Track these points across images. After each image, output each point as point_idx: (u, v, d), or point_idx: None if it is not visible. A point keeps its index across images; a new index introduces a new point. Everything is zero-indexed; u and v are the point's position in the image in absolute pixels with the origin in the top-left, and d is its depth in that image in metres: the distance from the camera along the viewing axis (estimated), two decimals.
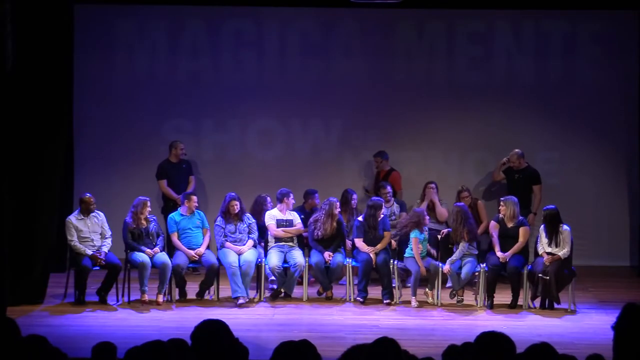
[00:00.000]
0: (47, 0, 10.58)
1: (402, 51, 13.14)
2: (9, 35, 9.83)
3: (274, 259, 10.83)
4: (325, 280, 10.97)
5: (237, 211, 10.94)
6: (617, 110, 13.10)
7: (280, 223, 11.05)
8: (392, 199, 11.93)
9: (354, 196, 11.77)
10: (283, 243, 11.05)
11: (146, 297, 10.60)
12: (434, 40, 13.13)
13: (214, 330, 4.47)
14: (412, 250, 10.78)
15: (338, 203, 11.13)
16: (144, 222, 10.84)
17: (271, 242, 11.09)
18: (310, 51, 13.15)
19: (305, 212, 11.66)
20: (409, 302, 10.69)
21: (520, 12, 13.02)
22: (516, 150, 12.32)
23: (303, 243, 11.39)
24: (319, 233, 10.97)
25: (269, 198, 11.58)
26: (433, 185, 11.94)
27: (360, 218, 11.05)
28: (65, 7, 11.22)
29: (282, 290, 10.92)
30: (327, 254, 10.88)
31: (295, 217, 11.18)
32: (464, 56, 13.12)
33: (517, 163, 12.29)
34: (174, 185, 12.15)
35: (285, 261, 10.93)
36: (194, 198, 11.10)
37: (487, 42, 13.11)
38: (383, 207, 11.09)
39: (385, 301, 10.77)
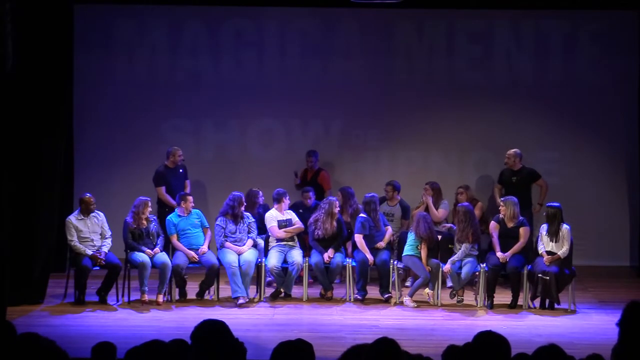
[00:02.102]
0: (47, 0, 10.59)
1: (402, 51, 13.15)
2: (9, 35, 9.83)
3: (272, 259, 10.83)
4: (326, 280, 10.97)
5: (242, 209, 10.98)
6: (617, 110, 13.10)
7: (281, 224, 11.05)
8: (398, 197, 11.90)
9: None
10: (284, 243, 11.06)
11: (146, 297, 10.61)
12: (434, 40, 13.14)
13: (214, 330, 4.47)
14: (411, 249, 10.80)
15: (337, 202, 11.14)
16: (144, 222, 10.84)
17: (272, 242, 11.09)
18: (310, 51, 13.15)
19: (304, 207, 11.68)
20: None
21: (520, 12, 13.02)
22: (515, 149, 12.26)
23: (304, 244, 11.40)
24: (320, 233, 10.98)
25: (260, 192, 11.60)
26: (427, 187, 11.88)
27: (363, 214, 11.04)
28: (65, 7, 11.24)
29: (282, 290, 10.93)
30: (326, 255, 10.89)
31: (293, 216, 11.19)
32: (464, 56, 13.12)
33: (512, 162, 12.15)
34: (173, 191, 11.91)
35: (284, 261, 10.93)
36: (190, 198, 11.09)
37: (487, 42, 13.11)
38: (377, 201, 11.13)
39: (385, 296, 10.77)
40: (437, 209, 11.79)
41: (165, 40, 13.12)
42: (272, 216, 11.11)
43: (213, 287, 10.90)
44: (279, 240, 11.04)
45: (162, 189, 11.99)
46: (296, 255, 10.94)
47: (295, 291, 10.99)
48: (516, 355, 4.68)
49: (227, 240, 10.92)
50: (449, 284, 11.01)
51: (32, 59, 10.43)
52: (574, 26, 13.07)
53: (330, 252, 10.93)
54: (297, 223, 11.15)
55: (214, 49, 13.14)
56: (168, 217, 11.04)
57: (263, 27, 13.14)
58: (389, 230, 11.12)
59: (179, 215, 11.01)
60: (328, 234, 10.99)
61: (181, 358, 4.74)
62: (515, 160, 12.17)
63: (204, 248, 10.93)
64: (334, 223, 11.01)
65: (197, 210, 11.19)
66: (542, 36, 13.09)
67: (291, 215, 11.20)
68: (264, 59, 13.17)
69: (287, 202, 11.18)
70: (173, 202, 11.63)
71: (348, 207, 11.48)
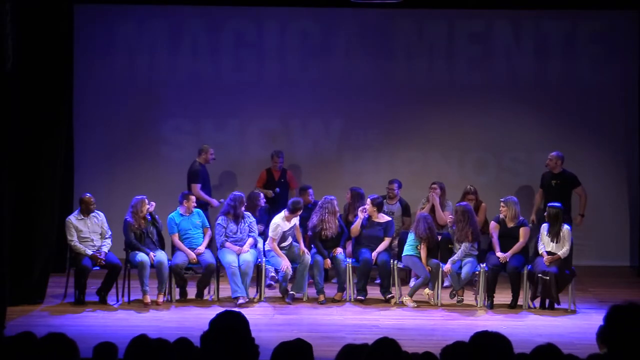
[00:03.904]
0: (47, 0, 10.58)
1: (402, 51, 13.15)
2: (9, 35, 9.82)
3: (286, 262, 10.75)
4: (322, 282, 10.89)
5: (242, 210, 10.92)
6: (617, 110, 13.11)
7: (285, 234, 10.93)
8: (398, 195, 11.90)
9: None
10: (285, 243, 11.00)
11: (148, 298, 10.55)
12: (434, 40, 13.14)
13: (233, 322, 4.42)
14: (411, 249, 10.80)
15: (336, 201, 11.12)
16: (142, 221, 10.82)
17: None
18: (310, 51, 13.15)
19: (304, 206, 11.68)
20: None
21: (520, 12, 13.02)
22: (557, 152, 12.06)
23: (305, 244, 11.39)
24: (328, 233, 10.94)
25: (262, 194, 11.57)
26: (435, 186, 11.81)
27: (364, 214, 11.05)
28: (65, 7, 11.23)
29: (291, 291, 10.81)
30: (328, 261, 10.87)
31: (296, 225, 11.03)
32: (464, 56, 13.13)
33: (553, 165, 11.98)
34: (207, 188, 12.11)
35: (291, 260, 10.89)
36: (193, 198, 11.08)
37: (487, 42, 13.12)
38: (364, 197, 11.14)
39: (387, 296, 10.76)
40: (443, 210, 11.71)
41: (165, 41, 13.12)
42: (278, 225, 10.87)
43: (213, 287, 10.89)
44: (278, 242, 10.98)
45: (198, 187, 12.03)
46: (301, 253, 10.91)
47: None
48: (515, 355, 4.67)
49: (227, 240, 10.89)
50: (446, 283, 11.01)
51: (32, 59, 10.43)
52: (574, 26, 13.08)
53: (340, 250, 10.96)
54: (298, 232, 11.08)
55: (214, 49, 13.14)
56: (170, 216, 11.02)
57: (263, 27, 13.15)
58: (387, 241, 10.97)
59: (181, 215, 11.00)
60: (335, 232, 10.98)
61: (186, 357, 4.72)
62: (557, 162, 12.00)
63: (201, 249, 10.89)
64: (337, 221, 11.02)
65: (198, 209, 11.17)
66: (542, 36, 13.09)
67: (295, 222, 11.05)
68: (264, 59, 13.17)
69: (299, 215, 11.04)
70: (208, 199, 11.75)
71: (355, 208, 11.42)
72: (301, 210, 10.99)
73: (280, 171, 12.54)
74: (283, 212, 10.98)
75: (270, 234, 10.88)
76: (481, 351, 4.37)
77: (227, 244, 10.86)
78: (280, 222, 10.87)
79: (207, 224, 11.11)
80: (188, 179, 12.15)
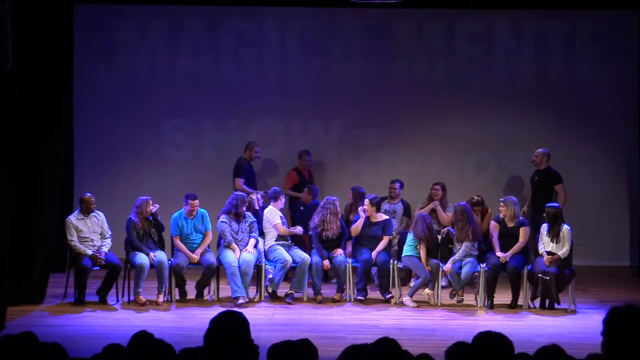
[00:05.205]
0: (47, 0, 10.58)
1: (402, 51, 13.15)
2: (9, 35, 9.82)
3: (287, 255, 10.80)
4: (319, 283, 10.90)
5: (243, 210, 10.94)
6: (617, 110, 13.11)
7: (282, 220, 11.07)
8: (400, 195, 11.90)
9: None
10: (282, 241, 11.03)
11: (141, 298, 10.55)
12: (434, 40, 13.14)
13: (234, 323, 4.41)
14: (411, 250, 10.80)
15: (338, 202, 11.12)
16: (146, 222, 10.81)
17: (271, 241, 11.03)
18: (310, 51, 13.16)
19: (304, 204, 11.68)
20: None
21: (520, 12, 13.02)
22: (543, 148, 12.11)
23: (304, 243, 11.38)
24: (329, 234, 10.94)
25: (259, 195, 11.59)
26: (437, 187, 11.77)
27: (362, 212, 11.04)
28: (65, 7, 11.23)
29: (290, 290, 10.85)
30: (326, 262, 10.87)
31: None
32: (464, 56, 13.13)
33: (539, 161, 12.05)
34: (251, 184, 12.18)
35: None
36: (196, 202, 11.00)
37: (487, 42, 13.12)
38: (365, 196, 11.12)
39: (387, 296, 10.76)
40: (444, 211, 11.70)
41: (165, 40, 13.12)
42: (275, 213, 11.06)
43: (213, 287, 10.88)
44: (277, 238, 11.00)
45: (241, 181, 12.12)
46: (301, 252, 10.92)
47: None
48: (517, 355, 4.67)
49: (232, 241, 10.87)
50: (443, 283, 11.00)
51: (32, 59, 10.42)
52: (574, 26, 13.08)
53: (340, 252, 10.96)
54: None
55: (214, 49, 13.15)
56: (173, 217, 10.98)
57: (263, 27, 13.15)
58: (386, 240, 11.00)
59: (185, 218, 10.96)
60: (335, 233, 10.99)
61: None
62: (542, 159, 12.08)
63: (198, 252, 10.85)
64: (338, 222, 11.02)
65: (203, 210, 11.09)
66: (542, 36, 13.10)
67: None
68: (264, 59, 13.17)
69: (282, 200, 11.18)
70: (250, 191, 11.75)
71: (357, 207, 11.40)
72: (282, 198, 11.17)
73: (308, 170, 12.56)
74: (270, 205, 11.14)
75: (275, 222, 10.95)
76: (484, 352, 4.36)
77: (233, 245, 10.81)
78: (273, 209, 11.05)
79: (209, 226, 11.05)
80: (233, 174, 12.30)
